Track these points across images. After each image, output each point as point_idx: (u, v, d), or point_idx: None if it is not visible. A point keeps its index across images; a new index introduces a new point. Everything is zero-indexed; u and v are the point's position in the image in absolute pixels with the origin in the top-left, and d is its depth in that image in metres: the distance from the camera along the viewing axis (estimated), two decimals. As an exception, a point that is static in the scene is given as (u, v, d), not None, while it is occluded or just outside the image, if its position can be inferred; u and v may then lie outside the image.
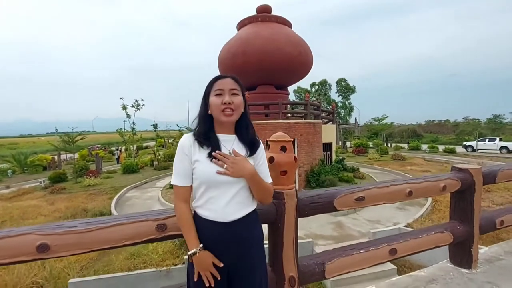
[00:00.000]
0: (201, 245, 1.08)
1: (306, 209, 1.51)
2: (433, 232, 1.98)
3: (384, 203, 1.73)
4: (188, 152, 1.11)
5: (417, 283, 1.99)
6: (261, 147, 1.23)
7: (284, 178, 1.43)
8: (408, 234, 1.93)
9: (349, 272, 1.64)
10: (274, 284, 1.44)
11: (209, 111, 1.13)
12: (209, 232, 1.10)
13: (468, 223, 2.08)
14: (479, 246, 2.40)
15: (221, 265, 1.09)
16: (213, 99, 1.11)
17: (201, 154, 1.10)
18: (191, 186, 1.14)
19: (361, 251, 1.69)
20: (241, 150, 1.15)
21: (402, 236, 1.89)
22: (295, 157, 1.43)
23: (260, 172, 1.17)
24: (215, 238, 1.10)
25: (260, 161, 1.20)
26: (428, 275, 2.08)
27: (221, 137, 1.15)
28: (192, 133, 1.16)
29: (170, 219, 1.24)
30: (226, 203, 1.09)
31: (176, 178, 1.13)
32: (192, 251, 1.08)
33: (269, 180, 1.21)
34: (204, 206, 1.11)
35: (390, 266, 5.27)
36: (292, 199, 1.44)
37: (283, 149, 1.43)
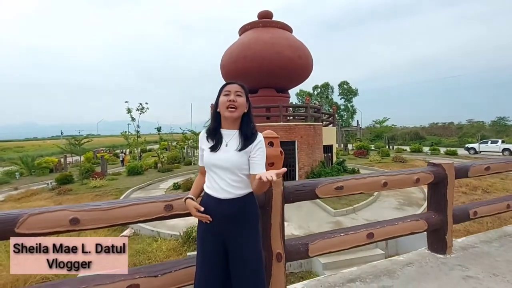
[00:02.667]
0: (190, 195, 1.42)
1: (291, 196, 1.76)
2: (409, 220, 2.22)
3: (361, 192, 1.97)
4: (200, 143, 1.46)
5: (395, 266, 2.22)
6: (259, 139, 1.40)
7: (272, 169, 1.69)
8: (385, 221, 2.16)
9: (330, 252, 1.88)
10: (264, 259, 1.68)
11: (218, 109, 1.43)
12: (210, 205, 1.36)
13: (442, 213, 2.32)
14: (456, 237, 2.62)
15: (202, 209, 1.35)
16: (221, 98, 1.40)
17: (207, 145, 1.41)
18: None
19: (341, 234, 1.93)
20: (238, 142, 1.39)
21: (379, 223, 2.13)
22: (281, 151, 1.68)
23: (253, 162, 1.34)
24: (214, 211, 1.35)
25: (254, 151, 1.35)
26: (406, 259, 2.31)
27: (225, 132, 1.42)
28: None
29: (176, 201, 1.51)
30: (221, 183, 1.35)
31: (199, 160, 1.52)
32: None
33: (262, 170, 1.34)
34: (208, 186, 1.40)
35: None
36: (279, 187, 1.70)
37: (271, 144, 1.69)
